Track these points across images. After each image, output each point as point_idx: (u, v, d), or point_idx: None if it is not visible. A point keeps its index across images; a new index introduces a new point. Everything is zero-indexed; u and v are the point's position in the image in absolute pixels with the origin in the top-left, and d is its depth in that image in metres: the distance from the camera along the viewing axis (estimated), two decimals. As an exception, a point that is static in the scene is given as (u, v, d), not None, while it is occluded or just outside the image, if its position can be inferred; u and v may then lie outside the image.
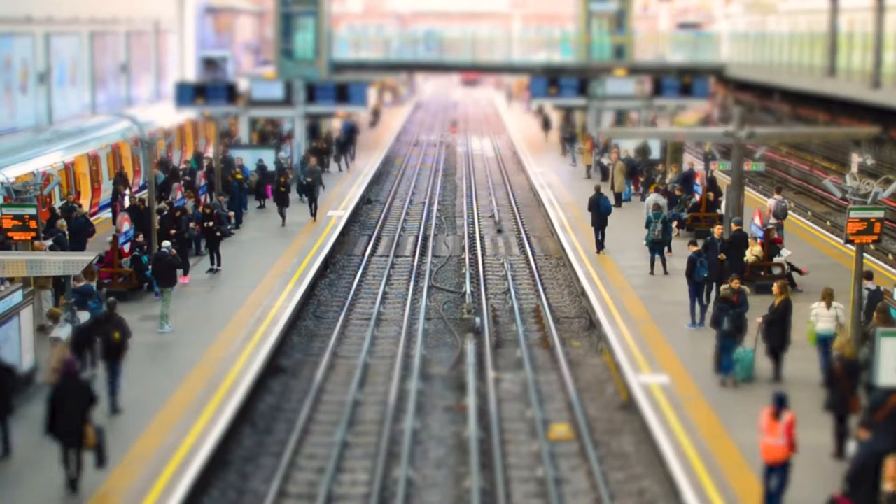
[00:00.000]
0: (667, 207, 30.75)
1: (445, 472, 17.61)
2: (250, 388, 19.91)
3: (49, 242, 25.04)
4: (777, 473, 14.75)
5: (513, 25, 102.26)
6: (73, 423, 15.48)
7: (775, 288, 20.61)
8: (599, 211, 30.32)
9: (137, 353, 20.47)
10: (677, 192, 33.58)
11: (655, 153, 42.36)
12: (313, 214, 35.49)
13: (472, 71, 60.69)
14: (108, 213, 34.79)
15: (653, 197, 30.82)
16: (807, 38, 50.13)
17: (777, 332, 19.90)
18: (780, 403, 14.78)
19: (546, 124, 61.38)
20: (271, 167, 39.10)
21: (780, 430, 14.64)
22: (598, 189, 31.83)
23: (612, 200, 33.15)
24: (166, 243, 24.56)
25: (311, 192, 35.80)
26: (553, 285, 29.07)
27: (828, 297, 20.22)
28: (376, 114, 70.55)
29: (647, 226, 28.09)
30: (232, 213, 32.79)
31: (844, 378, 16.85)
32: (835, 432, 16.83)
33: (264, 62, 78.68)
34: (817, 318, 20.29)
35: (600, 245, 30.18)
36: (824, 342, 19.87)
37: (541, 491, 16.76)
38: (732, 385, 19.46)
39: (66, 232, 26.74)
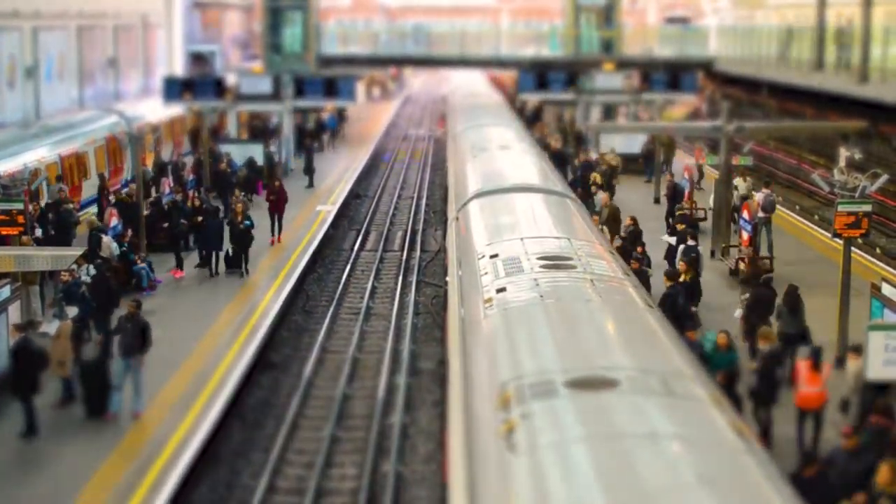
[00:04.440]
0: None
1: (434, 466, 17.61)
2: (239, 382, 19.91)
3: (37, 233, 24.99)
4: (814, 416, 16.25)
5: (501, 20, 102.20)
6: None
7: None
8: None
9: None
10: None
11: (636, 148, 42.39)
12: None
13: (461, 65, 60.19)
14: (93, 208, 34.62)
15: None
16: (794, 32, 50.19)
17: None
18: (817, 356, 16.34)
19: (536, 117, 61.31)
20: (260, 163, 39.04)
21: (821, 380, 16.13)
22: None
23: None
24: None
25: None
26: (542, 280, 29.00)
27: None
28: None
29: None
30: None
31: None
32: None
33: (252, 57, 78.48)
34: None
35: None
36: None
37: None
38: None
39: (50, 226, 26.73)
